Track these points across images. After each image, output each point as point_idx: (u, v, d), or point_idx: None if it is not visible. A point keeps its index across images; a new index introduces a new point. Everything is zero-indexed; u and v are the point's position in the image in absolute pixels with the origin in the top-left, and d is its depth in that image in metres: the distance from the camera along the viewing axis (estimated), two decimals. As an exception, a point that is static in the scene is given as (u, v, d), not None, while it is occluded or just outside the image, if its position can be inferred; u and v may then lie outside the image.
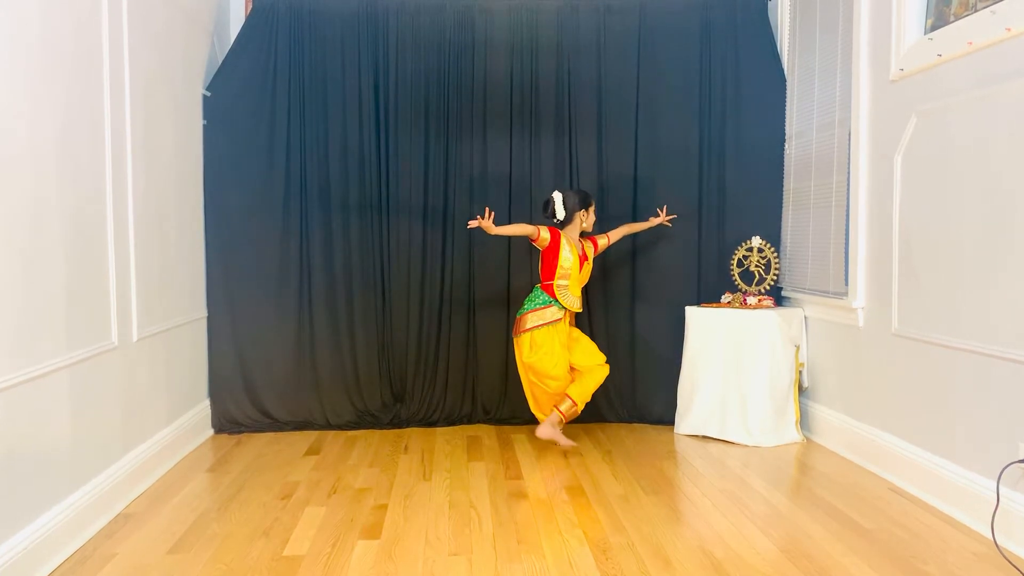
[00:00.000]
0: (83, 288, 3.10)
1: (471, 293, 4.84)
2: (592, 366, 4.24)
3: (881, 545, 2.95)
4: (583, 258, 4.28)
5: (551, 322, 4.17)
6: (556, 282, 4.20)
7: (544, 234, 4.14)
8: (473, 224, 4.07)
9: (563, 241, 4.18)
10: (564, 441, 4.23)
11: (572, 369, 4.26)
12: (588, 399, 4.29)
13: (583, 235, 4.34)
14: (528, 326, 4.18)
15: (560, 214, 4.22)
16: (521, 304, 4.32)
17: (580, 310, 4.34)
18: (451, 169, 4.79)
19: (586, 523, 3.20)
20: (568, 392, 4.21)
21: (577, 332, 4.37)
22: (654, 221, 4.55)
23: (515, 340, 4.30)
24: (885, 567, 2.75)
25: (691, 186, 4.82)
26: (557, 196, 4.23)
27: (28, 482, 2.69)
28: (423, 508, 3.39)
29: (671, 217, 4.56)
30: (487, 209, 4.10)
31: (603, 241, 4.42)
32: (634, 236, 4.80)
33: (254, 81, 4.63)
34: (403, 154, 4.76)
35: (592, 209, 4.31)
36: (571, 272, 4.21)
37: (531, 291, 4.31)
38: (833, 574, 2.71)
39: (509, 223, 4.70)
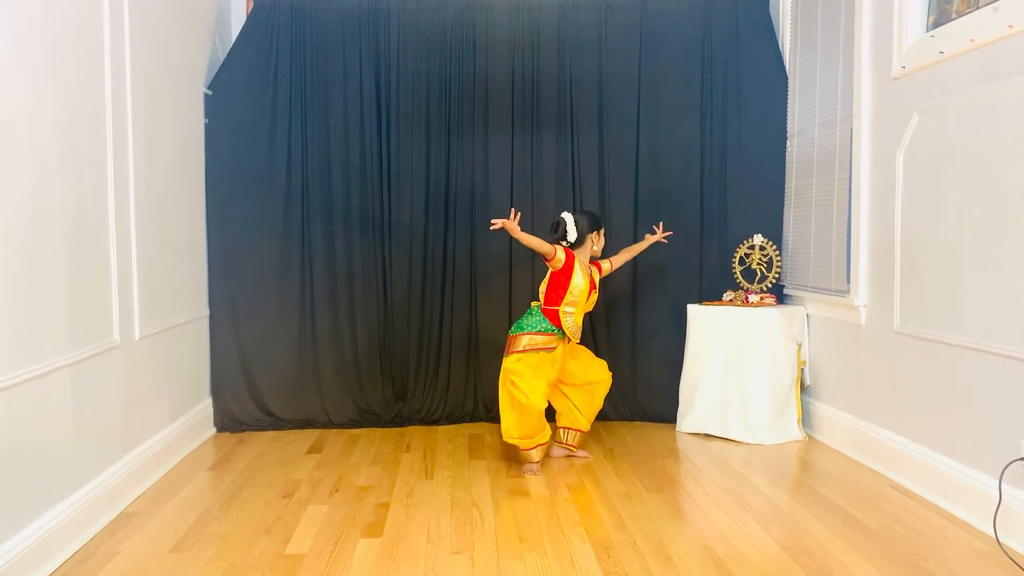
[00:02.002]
0: (85, 287, 3.11)
1: (473, 291, 4.84)
2: (600, 380, 4.10)
3: (883, 542, 2.95)
4: (592, 286, 4.01)
5: (546, 349, 3.89)
6: (563, 308, 3.91)
7: (560, 255, 3.86)
8: (497, 225, 3.79)
9: (576, 265, 3.91)
10: (581, 453, 4.15)
11: (579, 383, 4.07)
12: (532, 440, 3.89)
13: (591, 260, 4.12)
14: (520, 348, 3.88)
15: (572, 236, 3.94)
16: (516, 321, 4.01)
17: (578, 340, 4.04)
18: (452, 167, 4.79)
19: (588, 521, 3.21)
20: (579, 427, 4.09)
21: (577, 349, 4.12)
22: (650, 239, 4.33)
23: (504, 360, 3.94)
24: (886, 564, 2.75)
25: (693, 184, 4.82)
26: (568, 217, 3.96)
27: (30, 481, 2.69)
28: (425, 506, 3.40)
29: (667, 234, 4.34)
30: (512, 209, 3.89)
31: (607, 266, 4.19)
32: (635, 232, 4.80)
33: (255, 80, 4.63)
34: (404, 152, 4.76)
35: (603, 232, 4.09)
36: (580, 299, 3.94)
37: (528, 310, 4.02)
38: (835, 571, 2.70)
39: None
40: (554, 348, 3.92)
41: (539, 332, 3.91)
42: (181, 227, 4.21)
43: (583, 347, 4.20)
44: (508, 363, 3.88)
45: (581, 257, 4.00)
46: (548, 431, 3.92)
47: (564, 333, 3.94)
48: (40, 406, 2.76)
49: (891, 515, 3.23)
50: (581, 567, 2.76)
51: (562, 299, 3.92)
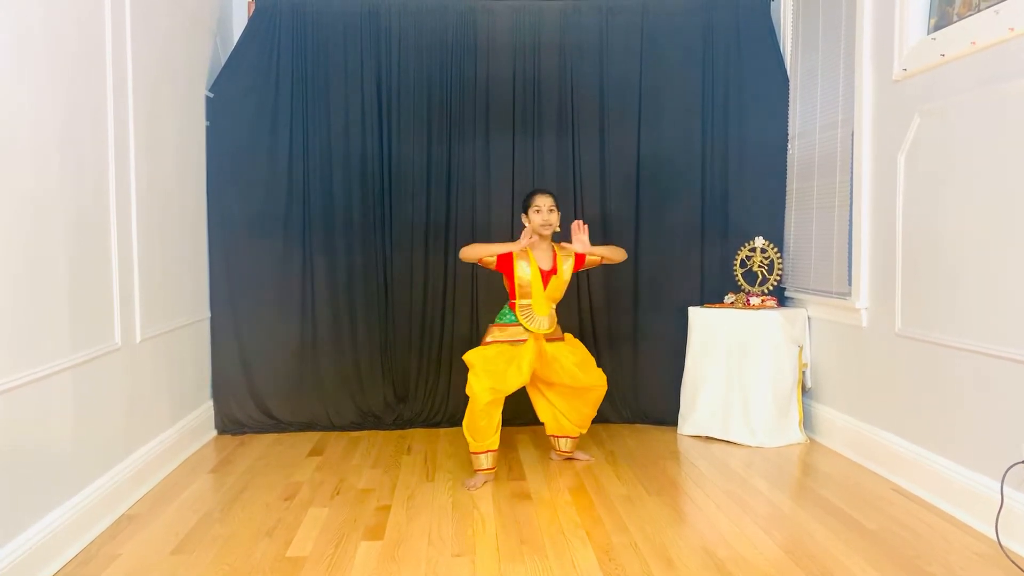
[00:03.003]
0: (86, 289, 3.11)
1: (474, 292, 4.83)
2: (592, 387, 3.87)
3: (884, 545, 2.95)
4: (550, 272, 3.78)
5: (513, 341, 3.74)
6: (518, 301, 3.77)
7: (488, 259, 3.76)
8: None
9: (515, 258, 3.75)
10: (581, 456, 4.09)
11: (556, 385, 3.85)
12: (477, 443, 3.68)
13: (557, 241, 3.87)
14: (488, 339, 3.79)
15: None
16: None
17: (550, 330, 3.82)
18: (453, 168, 4.79)
19: (589, 524, 3.20)
20: (568, 434, 3.99)
21: (566, 348, 3.87)
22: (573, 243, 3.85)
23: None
24: (888, 568, 2.75)
25: (694, 186, 4.82)
26: None
27: (31, 483, 2.69)
28: (426, 509, 3.40)
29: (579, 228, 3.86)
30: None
31: (594, 258, 3.90)
32: (636, 234, 4.81)
33: (257, 82, 4.64)
34: (406, 154, 4.76)
35: (534, 210, 3.77)
36: (532, 290, 3.74)
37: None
38: (836, 575, 2.70)
39: (511, 223, 4.72)
40: (524, 340, 3.75)
41: (507, 324, 3.80)
42: (182, 229, 4.21)
43: (581, 347, 4.01)
44: (467, 355, 3.75)
45: (535, 245, 3.78)
46: (494, 440, 3.69)
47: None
48: (41, 408, 2.76)
49: (892, 518, 3.23)
50: (582, 570, 2.75)
51: (515, 293, 3.79)
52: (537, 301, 3.78)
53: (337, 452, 4.30)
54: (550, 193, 3.88)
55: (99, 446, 3.21)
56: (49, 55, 2.84)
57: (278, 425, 4.72)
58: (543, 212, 3.78)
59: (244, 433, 4.66)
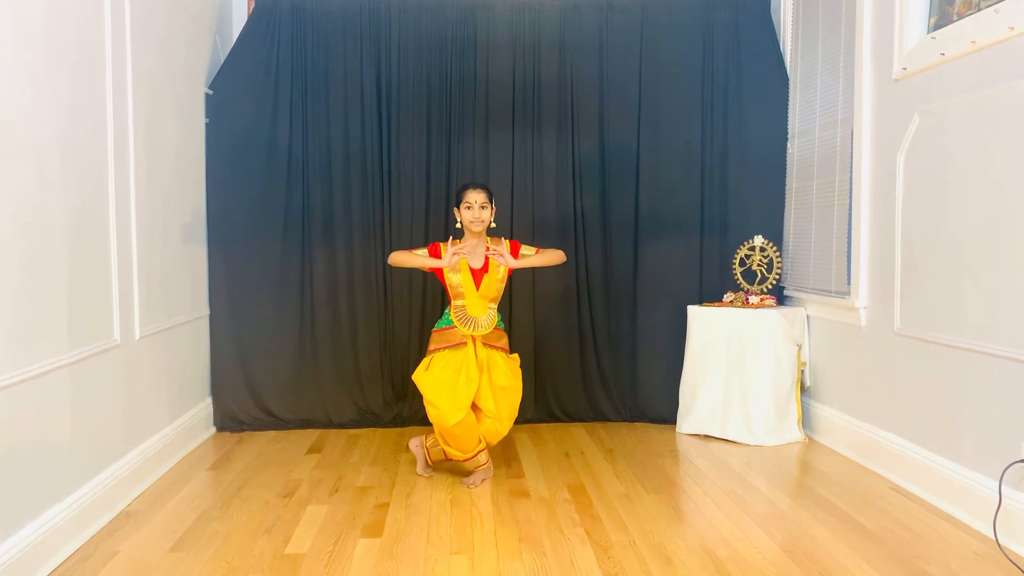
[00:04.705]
0: (85, 286, 3.10)
1: (473, 292, 4.83)
2: (504, 387, 3.61)
3: (883, 545, 2.95)
4: (482, 270, 3.60)
5: (454, 345, 3.60)
6: (454, 303, 3.63)
7: (430, 262, 3.57)
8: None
9: (444, 255, 3.54)
10: (421, 466, 3.82)
11: (476, 408, 3.61)
12: (466, 454, 3.61)
13: (492, 235, 3.69)
14: (431, 347, 3.66)
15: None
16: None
17: (487, 331, 3.64)
18: (453, 167, 4.79)
19: (588, 522, 3.20)
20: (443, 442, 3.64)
21: (503, 365, 3.63)
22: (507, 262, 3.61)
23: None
24: (887, 567, 2.75)
25: (693, 185, 4.82)
26: None
27: (30, 480, 2.69)
28: (425, 506, 3.40)
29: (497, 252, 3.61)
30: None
31: (529, 252, 3.66)
32: (635, 233, 4.82)
33: (256, 80, 4.63)
34: (405, 151, 4.76)
35: (465, 206, 3.59)
36: (464, 290, 3.59)
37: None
38: (835, 574, 2.70)
39: (510, 222, 4.72)
40: (463, 344, 3.60)
41: (445, 328, 3.65)
42: (181, 226, 4.21)
43: (515, 377, 3.69)
44: (415, 376, 3.60)
45: (467, 242, 3.63)
46: (482, 442, 3.65)
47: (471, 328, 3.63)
48: (40, 405, 2.76)
49: (891, 517, 3.23)
50: (581, 568, 2.75)
51: (451, 296, 3.67)
52: (471, 301, 3.63)
53: (336, 450, 4.30)
54: (483, 188, 3.66)
55: (98, 443, 3.21)
56: (49, 55, 2.83)
57: (277, 422, 4.72)
58: (474, 209, 3.59)
59: (243, 430, 4.66)
